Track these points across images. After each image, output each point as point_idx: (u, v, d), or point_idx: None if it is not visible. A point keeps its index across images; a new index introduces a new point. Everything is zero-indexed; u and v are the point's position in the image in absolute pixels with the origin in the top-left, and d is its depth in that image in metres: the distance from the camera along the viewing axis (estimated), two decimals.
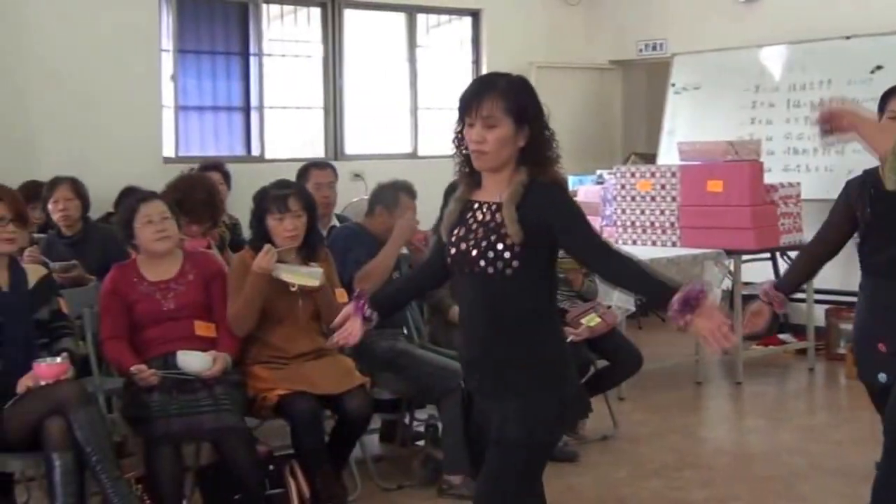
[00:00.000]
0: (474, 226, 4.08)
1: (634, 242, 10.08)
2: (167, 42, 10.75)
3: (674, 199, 9.92)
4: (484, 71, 12.91)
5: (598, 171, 11.51)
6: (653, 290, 3.95)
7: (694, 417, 8.90)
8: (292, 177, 7.46)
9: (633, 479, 7.12)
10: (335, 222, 8.30)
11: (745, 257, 9.86)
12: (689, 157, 10.13)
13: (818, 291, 10.00)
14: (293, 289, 6.17)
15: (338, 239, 7.17)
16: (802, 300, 10.40)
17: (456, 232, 4.14)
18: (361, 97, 12.11)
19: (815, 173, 10.76)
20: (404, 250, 7.29)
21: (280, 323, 6.32)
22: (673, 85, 12.24)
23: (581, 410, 4.34)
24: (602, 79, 13.56)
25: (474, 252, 4.01)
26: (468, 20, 13.01)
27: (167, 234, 6.25)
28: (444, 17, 12.95)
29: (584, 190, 11.29)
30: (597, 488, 6.97)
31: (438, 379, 6.70)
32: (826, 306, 10.34)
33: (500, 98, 4.03)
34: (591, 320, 7.71)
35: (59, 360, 5.68)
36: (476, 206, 4.15)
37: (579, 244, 4.05)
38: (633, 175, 10.30)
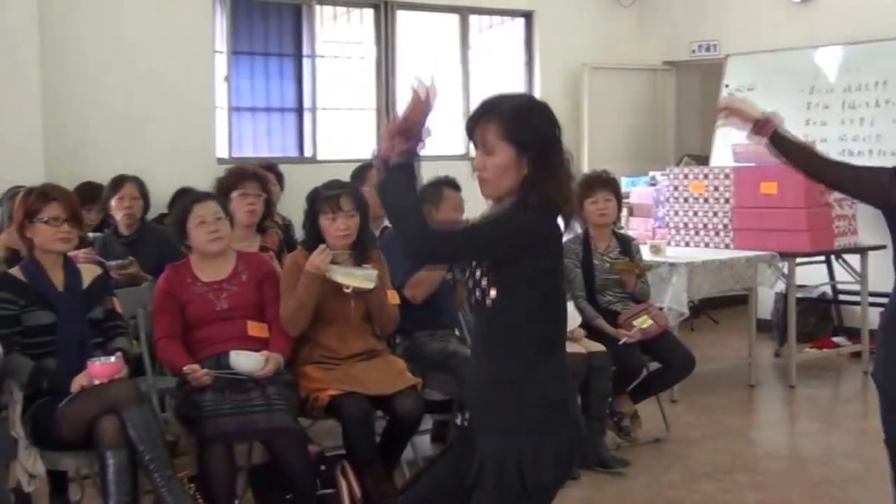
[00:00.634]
0: None
1: (687, 244, 10.04)
2: (221, 44, 10.79)
3: (727, 200, 9.88)
4: (536, 73, 12.92)
5: (651, 173, 11.47)
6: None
7: (746, 420, 8.86)
8: (345, 178, 7.46)
9: (684, 481, 7.09)
10: (388, 223, 8.30)
11: (799, 260, 9.78)
12: (742, 159, 10.07)
13: (873, 294, 9.92)
14: (347, 290, 6.17)
15: (390, 240, 7.18)
16: (857, 303, 10.34)
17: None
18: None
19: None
20: None
21: (332, 323, 6.33)
22: (727, 86, 12.18)
23: (568, 464, 3.88)
24: (655, 80, 13.51)
25: (469, 282, 3.91)
26: (521, 21, 13.00)
27: (220, 234, 6.28)
28: (497, 19, 12.95)
29: (636, 191, 11.27)
30: (648, 491, 6.96)
31: None
32: (880, 309, 10.26)
33: (500, 124, 3.82)
34: (644, 322, 7.70)
35: (113, 359, 5.71)
36: None
37: None
38: (685, 176, 10.26)
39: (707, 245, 9.95)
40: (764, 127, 5.06)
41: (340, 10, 11.80)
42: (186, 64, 10.38)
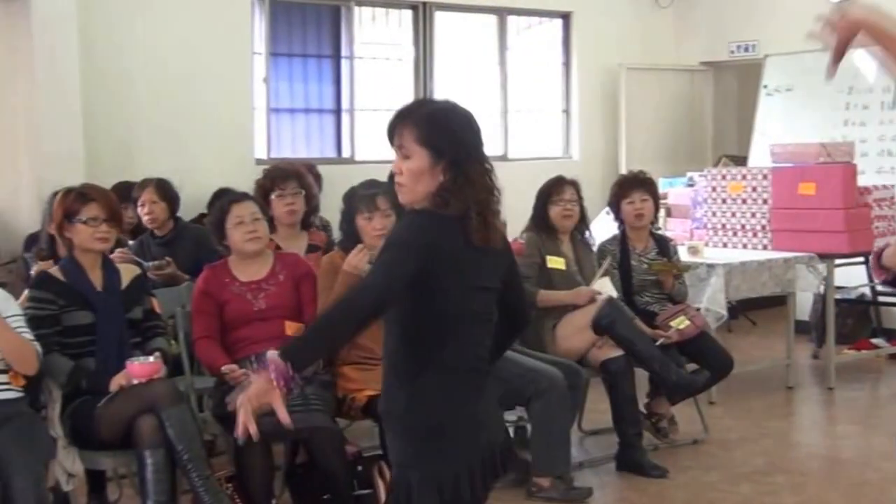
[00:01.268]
0: None
1: (725, 245, 10.01)
2: (259, 45, 10.82)
3: (765, 201, 9.83)
4: (574, 73, 12.90)
5: (689, 174, 11.43)
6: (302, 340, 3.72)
7: (785, 422, 8.82)
8: (382, 178, 7.48)
9: (723, 483, 7.07)
10: None
11: (837, 261, 9.73)
12: (780, 160, 10.04)
13: None
14: None
15: None
16: None
17: None
18: (452, 99, 12.07)
19: None
20: None
21: None
22: (765, 86, 12.14)
23: (456, 490, 3.69)
24: (693, 80, 13.48)
25: None
26: (559, 22, 12.99)
27: (258, 234, 6.30)
28: (535, 20, 12.95)
29: (674, 192, 11.23)
30: (687, 493, 6.94)
31: (527, 381, 6.71)
32: None
33: (414, 128, 3.75)
34: (681, 323, 7.68)
35: (151, 359, 5.75)
36: None
37: None
38: (723, 177, 10.22)
39: (745, 246, 9.91)
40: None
41: (379, 11, 11.82)
42: (225, 65, 10.41)
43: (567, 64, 13.02)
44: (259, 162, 10.39)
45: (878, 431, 8.35)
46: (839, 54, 3.86)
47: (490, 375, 3.90)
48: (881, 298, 10.95)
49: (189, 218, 8.67)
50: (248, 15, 10.66)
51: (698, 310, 8.14)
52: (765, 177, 9.88)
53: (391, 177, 7.94)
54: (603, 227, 8.58)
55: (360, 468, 6.05)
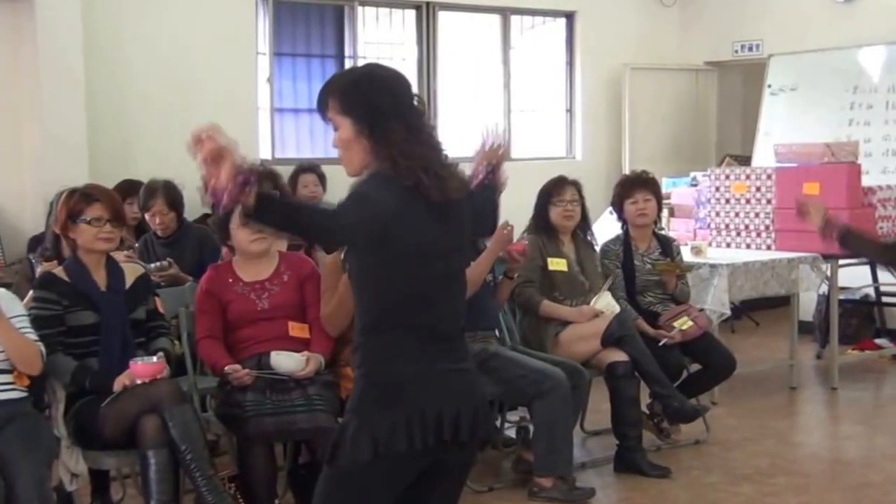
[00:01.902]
0: None
1: (728, 245, 10.01)
2: (263, 45, 10.83)
3: (769, 201, 9.83)
4: (578, 73, 12.91)
5: (692, 173, 11.43)
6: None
7: (788, 423, 8.81)
8: None
9: (725, 484, 7.07)
10: None
11: (841, 262, 9.71)
12: (784, 160, 10.03)
13: None
14: None
15: None
16: None
17: None
18: (455, 99, 12.12)
19: None
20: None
21: None
22: (769, 86, 12.14)
23: (391, 447, 3.66)
24: (697, 80, 13.47)
25: None
26: (562, 22, 12.99)
27: (263, 234, 6.29)
28: (539, 19, 12.94)
29: (677, 192, 11.24)
30: (688, 493, 6.94)
31: (530, 381, 6.72)
32: None
33: (335, 99, 3.79)
34: (684, 323, 7.70)
35: (155, 359, 5.76)
36: None
37: None
38: (727, 177, 10.23)
39: (749, 246, 9.91)
40: (826, 230, 5.23)
41: (382, 11, 11.82)
42: (230, 65, 10.43)
43: (571, 63, 13.02)
44: (263, 162, 10.39)
45: (882, 432, 8.35)
46: None
47: (465, 345, 3.93)
48: (885, 299, 10.95)
49: (192, 217, 8.66)
50: (252, 15, 10.68)
51: (701, 310, 8.14)
52: (769, 177, 9.88)
53: None
54: (606, 228, 8.58)
55: None
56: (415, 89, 3.92)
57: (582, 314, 7.42)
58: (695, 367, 7.89)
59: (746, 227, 9.98)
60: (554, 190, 7.63)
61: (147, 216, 7.94)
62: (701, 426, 7.93)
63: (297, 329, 6.26)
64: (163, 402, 5.59)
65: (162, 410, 5.57)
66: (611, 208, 8.25)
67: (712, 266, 8.77)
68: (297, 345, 6.15)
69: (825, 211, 5.62)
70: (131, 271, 6.14)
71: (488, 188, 4.28)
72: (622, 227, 8.10)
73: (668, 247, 8.12)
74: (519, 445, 7.37)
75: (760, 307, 11.68)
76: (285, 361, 5.96)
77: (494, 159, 4.30)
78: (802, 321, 10.18)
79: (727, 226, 10.13)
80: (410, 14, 11.92)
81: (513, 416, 7.51)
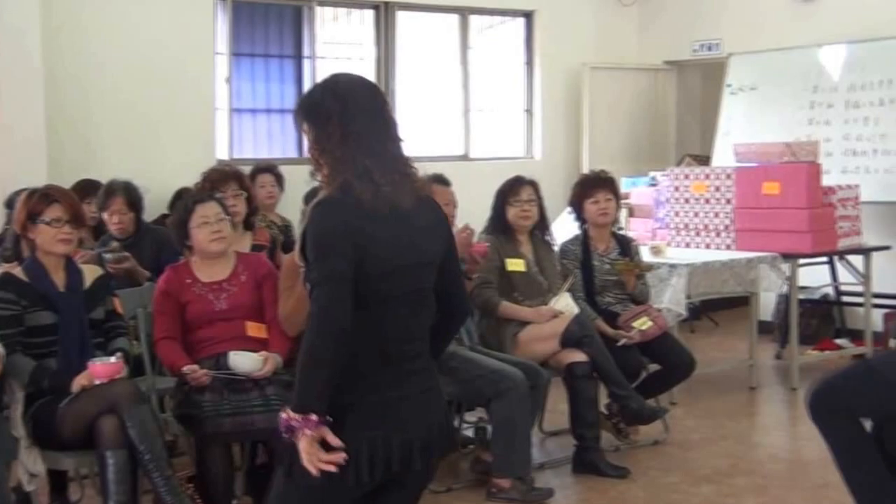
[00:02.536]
0: None
1: (688, 245, 10.03)
2: (222, 45, 10.79)
3: (728, 201, 9.86)
4: (537, 73, 12.91)
5: (652, 173, 11.45)
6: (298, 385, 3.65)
7: (747, 423, 8.84)
8: None
9: (684, 484, 7.07)
10: None
11: (801, 261, 9.75)
12: (744, 159, 10.06)
13: (876, 295, 9.92)
14: None
15: None
16: (860, 304, 10.33)
17: None
18: (413, 99, 12.10)
19: (874, 175, 10.64)
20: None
21: None
22: (728, 85, 12.15)
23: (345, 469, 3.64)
24: (656, 79, 13.49)
25: None
26: (521, 21, 12.99)
27: (222, 234, 6.29)
28: (497, 19, 12.93)
29: (637, 192, 11.25)
30: (647, 494, 6.94)
31: (489, 381, 6.71)
32: (884, 310, 10.26)
33: (299, 107, 3.83)
34: (643, 324, 7.70)
35: (113, 359, 5.75)
36: None
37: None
38: (686, 177, 10.25)
39: (708, 246, 9.94)
40: None
41: (340, 11, 11.81)
42: (188, 65, 10.39)
43: (529, 63, 13.01)
44: (221, 162, 10.35)
45: None
46: None
47: (426, 365, 3.88)
48: (845, 299, 10.99)
49: (151, 218, 8.63)
50: (211, 15, 10.63)
51: (660, 311, 8.15)
52: (728, 176, 9.91)
53: None
54: (565, 228, 8.58)
55: None
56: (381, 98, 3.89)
57: (541, 315, 7.41)
58: (654, 367, 7.89)
59: (706, 226, 10.00)
60: (511, 190, 7.62)
61: (105, 215, 7.89)
62: (660, 426, 7.94)
63: (254, 329, 6.26)
64: (121, 402, 5.57)
65: (120, 411, 5.54)
66: (570, 208, 8.25)
67: (671, 266, 8.79)
68: (255, 345, 6.14)
69: None
70: (90, 272, 6.12)
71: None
72: (581, 227, 8.09)
73: (627, 247, 8.12)
74: (477, 446, 7.36)
75: (720, 307, 11.71)
76: (243, 361, 5.95)
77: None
78: (762, 321, 10.22)
79: (686, 225, 10.15)
80: (369, 14, 11.89)
81: (471, 417, 7.49)
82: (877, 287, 9.85)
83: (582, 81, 12.86)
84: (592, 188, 8.01)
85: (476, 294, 7.35)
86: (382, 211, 3.66)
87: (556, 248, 7.95)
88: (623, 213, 9.57)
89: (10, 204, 7.56)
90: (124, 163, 9.31)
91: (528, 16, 12.94)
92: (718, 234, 9.92)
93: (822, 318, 11.25)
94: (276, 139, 11.41)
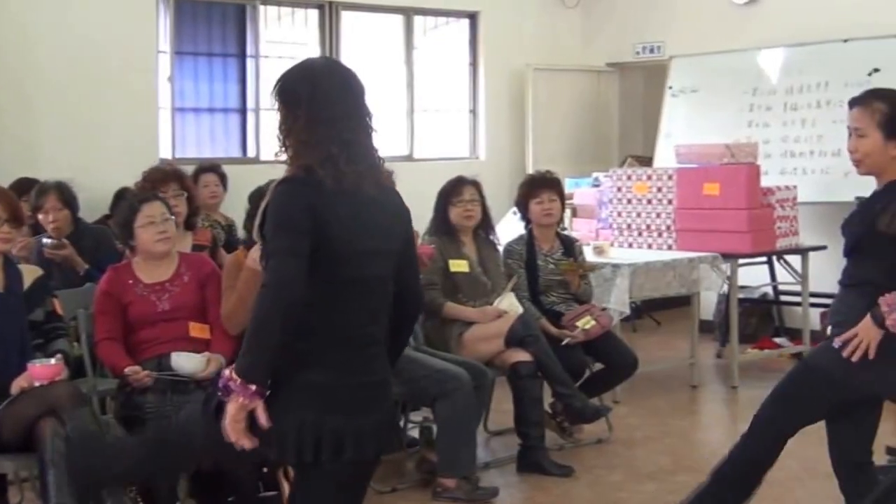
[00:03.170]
0: None
1: (630, 245, 10.08)
2: (164, 44, 10.73)
3: (670, 201, 9.92)
4: (481, 73, 12.94)
5: (595, 174, 11.48)
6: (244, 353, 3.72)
7: (689, 421, 8.89)
8: None
9: (628, 482, 7.11)
10: None
11: (741, 261, 9.83)
12: (685, 160, 10.12)
13: (814, 295, 10.01)
14: None
15: None
16: (798, 304, 10.41)
17: None
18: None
19: (811, 176, 10.73)
20: None
21: None
22: (670, 87, 12.21)
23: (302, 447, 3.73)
24: (599, 81, 13.54)
25: None
26: (465, 22, 12.99)
27: (168, 235, 6.25)
28: (442, 20, 12.94)
29: (580, 192, 11.29)
30: (591, 492, 6.97)
31: (433, 381, 6.72)
32: (821, 310, 10.35)
33: (274, 88, 3.93)
34: (586, 323, 7.73)
35: (53, 361, 5.69)
36: None
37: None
38: (629, 178, 10.30)
39: (650, 246, 10.00)
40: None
41: (285, 10, 11.76)
42: (130, 64, 10.31)
43: (474, 64, 13.02)
44: (164, 162, 10.30)
45: None
46: None
47: (381, 352, 3.91)
48: (783, 298, 11.08)
49: (92, 219, 8.58)
50: (153, 13, 10.56)
51: (604, 309, 8.18)
52: (670, 177, 9.97)
53: None
54: (509, 228, 8.60)
55: (265, 470, 6.01)
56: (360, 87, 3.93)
57: (485, 314, 7.43)
58: (597, 366, 7.92)
59: (648, 227, 10.06)
60: (453, 190, 7.63)
61: (40, 216, 7.81)
62: (603, 425, 7.97)
63: (197, 330, 6.22)
64: (61, 404, 5.51)
65: (61, 413, 5.49)
66: (515, 208, 8.27)
67: (614, 266, 8.82)
68: (198, 346, 6.11)
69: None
70: (29, 273, 6.08)
71: None
72: (526, 227, 8.11)
73: (570, 247, 8.16)
74: (422, 446, 7.36)
75: (661, 307, 11.77)
76: (186, 362, 5.93)
77: None
78: (703, 320, 10.29)
79: (629, 226, 10.20)
80: (313, 13, 11.86)
81: (416, 417, 7.51)
82: (814, 286, 9.93)
83: (526, 82, 12.88)
84: (537, 188, 8.03)
85: None
86: (345, 196, 3.72)
87: (500, 249, 7.97)
88: (567, 213, 9.60)
89: None
90: (65, 162, 9.25)
91: (472, 17, 12.95)
92: (660, 235, 9.97)
93: (761, 317, 11.35)
94: (220, 139, 11.36)
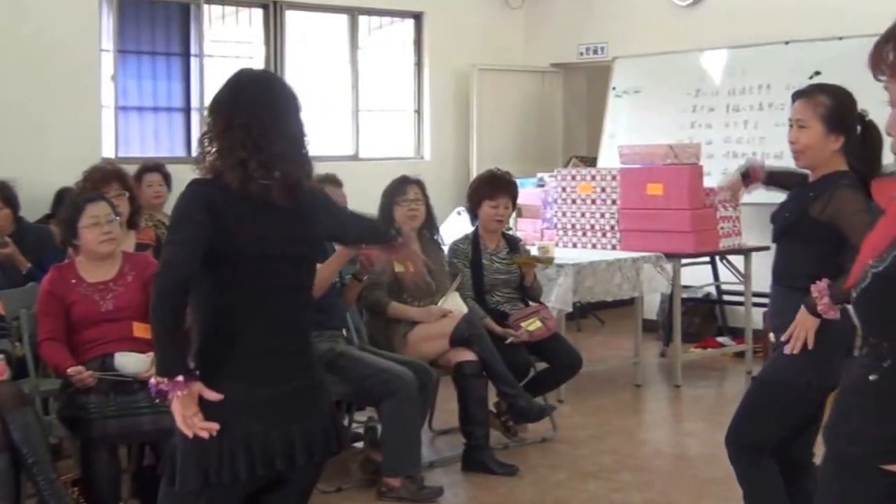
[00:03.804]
0: None
1: (574, 245, 10.11)
2: (108, 42, 10.67)
3: (614, 202, 9.96)
4: (426, 73, 12.94)
5: (539, 174, 11.51)
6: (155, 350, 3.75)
7: (633, 420, 8.94)
8: None
9: (571, 481, 7.13)
10: None
11: (684, 261, 9.88)
12: (629, 161, 10.16)
13: (756, 294, 10.06)
14: None
15: None
16: (741, 303, 10.49)
17: None
18: (303, 98, 12.00)
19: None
20: None
21: None
22: (614, 88, 12.28)
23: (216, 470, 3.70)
24: (543, 82, 13.57)
25: None
26: (410, 22, 13.00)
27: (112, 235, 6.21)
28: (387, 20, 12.93)
29: (524, 193, 11.25)
30: (535, 491, 6.99)
31: (378, 381, 6.71)
32: (764, 309, 10.40)
33: None
34: (532, 324, 7.75)
35: None
36: None
37: None
38: (573, 178, 10.33)
39: (594, 246, 10.02)
40: (753, 176, 5.38)
41: (229, 9, 11.73)
42: (72, 62, 10.24)
43: (419, 64, 13.03)
44: (106, 161, 10.23)
45: (724, 428, 8.34)
46: None
47: (304, 363, 3.91)
48: (726, 297, 11.16)
49: (34, 218, 8.52)
50: (97, 12, 10.50)
51: (549, 310, 8.19)
52: (613, 177, 10.00)
53: None
54: (454, 228, 8.60)
55: None
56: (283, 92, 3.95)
57: (430, 314, 7.43)
58: (541, 365, 7.94)
59: (592, 227, 10.09)
60: (397, 189, 7.62)
61: None
62: (548, 424, 7.99)
63: (141, 330, 6.17)
64: (3, 404, 5.51)
65: (3, 413, 5.48)
66: (460, 208, 8.27)
67: (558, 266, 8.84)
68: (142, 346, 6.05)
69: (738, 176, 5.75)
70: None
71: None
72: (473, 223, 8.12)
73: (515, 246, 8.17)
74: (367, 445, 7.36)
75: (605, 306, 11.79)
76: (130, 362, 5.90)
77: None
78: (647, 319, 10.35)
79: (573, 226, 10.23)
80: (257, 13, 11.83)
81: (360, 416, 7.50)
82: (756, 286, 9.97)
83: (470, 82, 12.91)
84: (497, 191, 7.99)
85: (364, 296, 7.36)
86: (249, 200, 3.74)
87: (444, 249, 7.98)
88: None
89: None
90: (5, 161, 9.17)
91: (416, 17, 12.95)
92: (604, 235, 10.01)
93: (704, 316, 11.42)
94: (164, 138, 11.31)
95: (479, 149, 12.81)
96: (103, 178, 7.24)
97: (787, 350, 4.92)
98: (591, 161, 12.28)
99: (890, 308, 2.96)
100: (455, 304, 7.57)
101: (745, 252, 10.13)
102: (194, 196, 3.74)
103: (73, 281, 6.17)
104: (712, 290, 11.20)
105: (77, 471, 5.97)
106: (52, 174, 9.25)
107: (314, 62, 12.24)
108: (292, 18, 12.01)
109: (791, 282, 5.03)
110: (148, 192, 8.99)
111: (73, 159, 9.51)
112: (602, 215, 10.03)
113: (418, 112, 13.03)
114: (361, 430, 7.52)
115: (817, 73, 10.26)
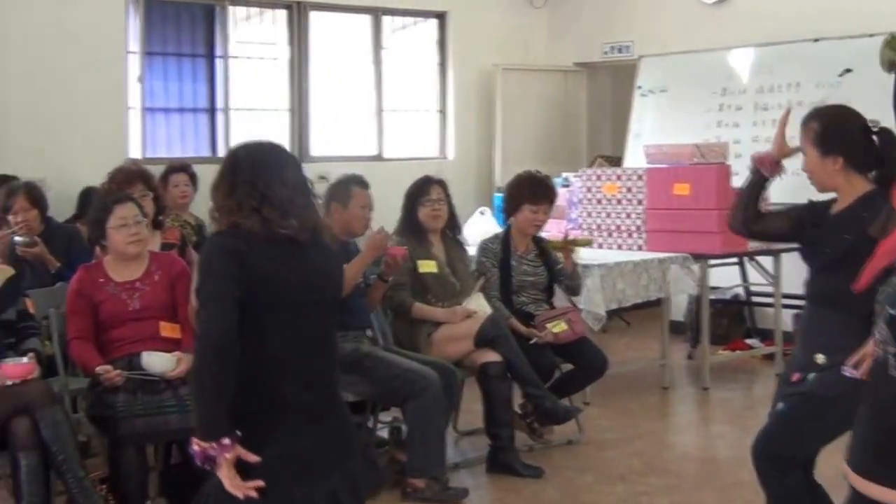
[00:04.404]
0: None
1: (600, 246, 10.05)
2: (134, 44, 10.70)
3: (640, 202, 9.91)
4: (450, 73, 12.94)
5: (564, 174, 11.47)
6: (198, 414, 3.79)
7: (660, 423, 8.89)
8: None
9: (598, 484, 7.10)
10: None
11: (711, 262, 9.83)
12: (655, 160, 10.12)
13: (786, 296, 10.01)
14: None
15: None
16: (770, 305, 10.43)
17: None
18: (327, 99, 12.07)
19: (783, 177, 10.68)
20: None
21: None
22: (639, 87, 12.24)
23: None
24: (567, 81, 13.55)
25: None
26: (434, 22, 12.99)
27: (140, 237, 6.23)
28: (410, 20, 12.93)
29: None
30: (561, 494, 6.97)
31: (403, 381, 6.69)
32: (794, 311, 10.37)
33: None
34: (556, 326, 7.71)
35: (25, 360, 5.71)
36: None
37: None
38: (598, 178, 10.29)
39: (620, 247, 9.97)
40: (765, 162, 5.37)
41: (253, 10, 11.75)
42: (100, 64, 10.29)
43: (443, 64, 13.02)
44: (129, 161, 10.25)
45: (753, 431, 8.28)
46: None
47: (335, 411, 3.95)
48: (755, 299, 11.10)
49: (63, 218, 8.54)
50: (123, 14, 10.54)
51: (580, 316, 8.15)
52: (639, 177, 9.96)
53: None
54: (477, 228, 8.58)
55: None
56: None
57: (455, 315, 7.42)
58: (567, 367, 7.92)
59: (618, 227, 10.05)
60: (420, 190, 7.60)
61: (9, 217, 7.76)
62: (574, 426, 7.96)
63: (168, 329, 6.21)
64: (33, 403, 5.53)
65: (33, 412, 5.51)
66: (483, 208, 8.24)
67: (584, 266, 8.79)
68: (169, 345, 6.10)
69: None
70: (2, 273, 6.08)
71: None
72: (504, 223, 8.08)
73: (543, 248, 8.12)
74: (392, 446, 7.35)
75: (632, 307, 11.76)
76: (157, 362, 5.91)
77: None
78: (674, 321, 10.30)
79: (598, 226, 10.19)
80: (281, 14, 11.84)
81: (385, 417, 7.49)
82: (786, 287, 9.93)
83: (494, 82, 12.90)
84: (539, 197, 7.93)
85: (389, 296, 7.34)
86: (276, 243, 3.78)
87: (468, 249, 7.96)
88: None
89: None
90: (34, 162, 9.20)
91: (440, 17, 12.94)
92: (630, 235, 9.96)
93: (732, 318, 11.37)
94: (190, 138, 11.35)
95: (503, 149, 12.80)
96: (127, 179, 7.25)
97: (860, 374, 4.87)
98: (616, 161, 12.26)
99: None
100: (479, 305, 7.55)
101: (775, 253, 10.03)
102: (220, 247, 3.76)
103: (101, 280, 6.19)
104: (741, 291, 11.15)
105: (105, 469, 6.00)
106: (81, 175, 9.29)
107: (338, 63, 12.24)
108: (316, 19, 12.01)
109: (835, 305, 4.93)
110: (174, 192, 9.01)
111: (101, 160, 9.54)
112: (628, 215, 9.99)
113: (442, 112, 13.02)
114: (386, 431, 7.50)
115: (848, 70, 10.22)
